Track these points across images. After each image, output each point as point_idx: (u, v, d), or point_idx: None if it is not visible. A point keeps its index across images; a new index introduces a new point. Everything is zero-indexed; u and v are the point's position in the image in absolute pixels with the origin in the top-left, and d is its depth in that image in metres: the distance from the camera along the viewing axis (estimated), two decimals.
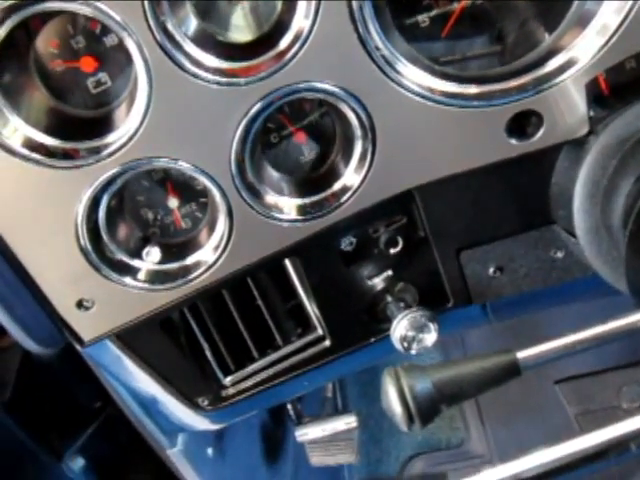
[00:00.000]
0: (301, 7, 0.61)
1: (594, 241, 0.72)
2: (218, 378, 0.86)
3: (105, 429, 1.21)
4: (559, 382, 1.40)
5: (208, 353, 0.84)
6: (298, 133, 0.77)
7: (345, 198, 0.71)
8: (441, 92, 0.68)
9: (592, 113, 0.70)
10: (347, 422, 1.02)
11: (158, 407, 0.91)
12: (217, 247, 0.72)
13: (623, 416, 0.34)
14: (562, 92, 0.68)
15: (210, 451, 1.11)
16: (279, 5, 0.65)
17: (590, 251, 0.73)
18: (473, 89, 0.69)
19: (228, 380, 0.87)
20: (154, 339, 0.80)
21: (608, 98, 0.71)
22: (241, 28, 0.68)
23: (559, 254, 0.84)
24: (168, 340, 0.82)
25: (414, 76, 0.68)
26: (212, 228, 0.72)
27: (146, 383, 0.85)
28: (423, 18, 0.73)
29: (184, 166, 0.66)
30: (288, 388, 0.91)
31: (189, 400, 0.87)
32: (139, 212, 0.75)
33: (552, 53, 0.66)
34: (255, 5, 0.67)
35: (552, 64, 0.66)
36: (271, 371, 0.88)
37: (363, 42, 0.64)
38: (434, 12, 0.73)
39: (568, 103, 0.69)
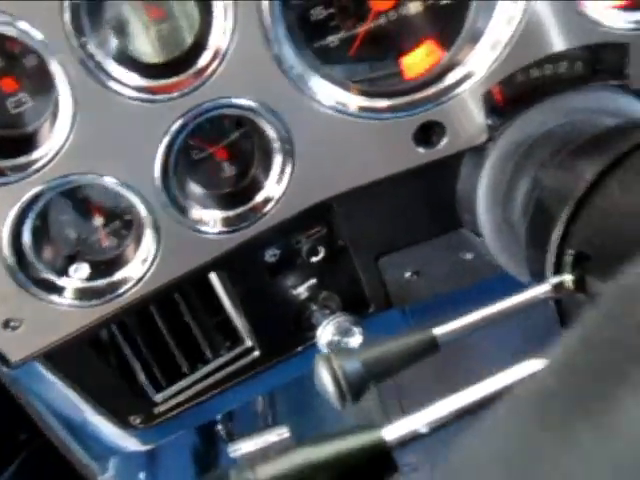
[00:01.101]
0: (217, 26, 0.64)
1: (498, 239, 0.78)
2: (149, 395, 0.87)
3: (31, 464, 1.17)
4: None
5: (138, 370, 0.84)
6: (219, 150, 0.80)
7: (268, 208, 0.74)
8: (353, 106, 0.73)
9: (489, 122, 0.76)
10: (279, 433, 1.04)
11: (88, 430, 0.90)
12: (145, 261, 0.73)
13: None
14: (461, 103, 0.74)
15: (142, 476, 1.10)
16: (196, 26, 0.68)
17: (495, 248, 0.79)
18: (382, 102, 0.74)
19: (159, 396, 0.88)
20: (83, 358, 0.80)
21: (503, 108, 0.78)
22: (157, 51, 0.71)
23: (469, 256, 0.90)
24: (98, 359, 0.82)
25: (328, 92, 0.72)
26: (139, 243, 0.74)
27: (76, 404, 0.85)
28: (332, 39, 0.78)
29: (110, 182, 0.68)
30: (220, 402, 0.93)
31: (120, 419, 0.87)
32: (64, 231, 0.76)
33: (450, 67, 0.72)
34: (170, 29, 0.70)
35: (450, 78, 0.72)
36: (202, 385, 0.89)
37: (278, 61, 0.69)
38: (341, 34, 0.78)
39: (467, 113, 0.75)
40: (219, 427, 1.27)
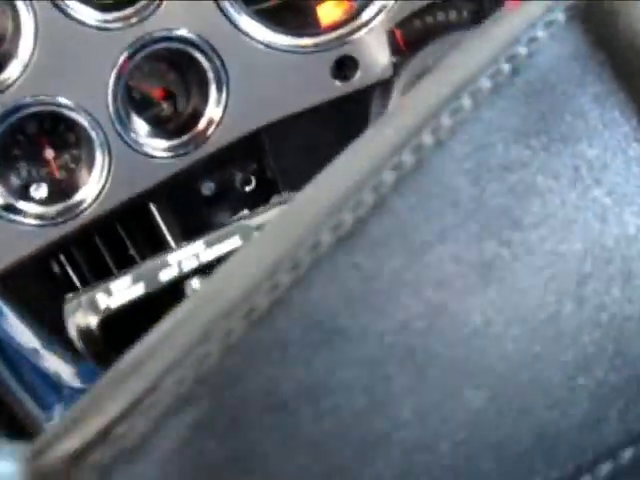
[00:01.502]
0: None
1: None
2: None
3: None
4: None
5: None
6: (156, 91, 0.88)
7: (210, 132, 0.84)
8: (280, 43, 0.84)
9: (394, 60, 0.90)
10: None
11: (37, 369, 0.95)
12: (98, 183, 0.81)
13: None
14: (371, 41, 0.87)
15: None
16: None
17: None
18: (306, 41, 0.86)
19: None
20: (37, 289, 0.86)
21: (404, 49, 0.92)
22: None
23: None
24: (51, 289, 0.87)
25: (258, 31, 0.83)
26: (91, 168, 0.81)
27: (26, 341, 0.90)
28: None
29: (67, 104, 0.75)
30: None
31: (72, 349, 0.92)
32: (17, 163, 0.82)
33: (363, 8, 0.85)
34: None
35: (364, 16, 0.85)
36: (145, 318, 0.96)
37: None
38: None
39: (376, 51, 0.88)
40: None
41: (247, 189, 0.95)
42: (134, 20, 0.74)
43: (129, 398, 0.20)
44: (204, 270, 0.38)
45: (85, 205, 0.81)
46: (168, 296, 0.39)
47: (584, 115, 0.23)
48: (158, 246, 0.96)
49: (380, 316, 0.20)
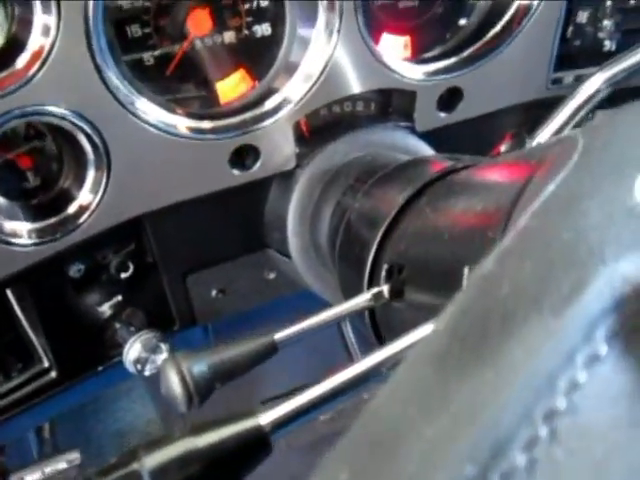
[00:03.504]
0: (37, 26, 0.62)
1: (305, 259, 0.85)
2: None
3: None
4: (264, 402, 1.51)
5: None
6: (22, 158, 0.76)
7: (83, 219, 0.73)
8: (175, 126, 0.75)
9: (297, 150, 0.83)
10: (69, 459, 0.99)
11: None
12: None
13: None
14: (275, 130, 0.80)
15: None
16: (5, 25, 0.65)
17: (302, 268, 0.85)
18: (204, 124, 0.77)
19: None
20: None
21: (308, 139, 0.85)
22: None
23: (271, 275, 0.96)
24: None
25: (149, 110, 0.73)
26: None
27: None
28: (147, 57, 0.79)
29: None
30: (9, 429, 0.86)
31: None
32: None
33: (268, 95, 0.77)
34: None
35: (268, 104, 0.78)
36: None
37: (100, 72, 0.68)
38: (156, 53, 0.79)
39: (280, 140, 0.81)
40: None
41: (123, 276, 0.83)
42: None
43: None
44: None
45: None
46: None
47: None
48: (6, 330, 0.82)
49: None
